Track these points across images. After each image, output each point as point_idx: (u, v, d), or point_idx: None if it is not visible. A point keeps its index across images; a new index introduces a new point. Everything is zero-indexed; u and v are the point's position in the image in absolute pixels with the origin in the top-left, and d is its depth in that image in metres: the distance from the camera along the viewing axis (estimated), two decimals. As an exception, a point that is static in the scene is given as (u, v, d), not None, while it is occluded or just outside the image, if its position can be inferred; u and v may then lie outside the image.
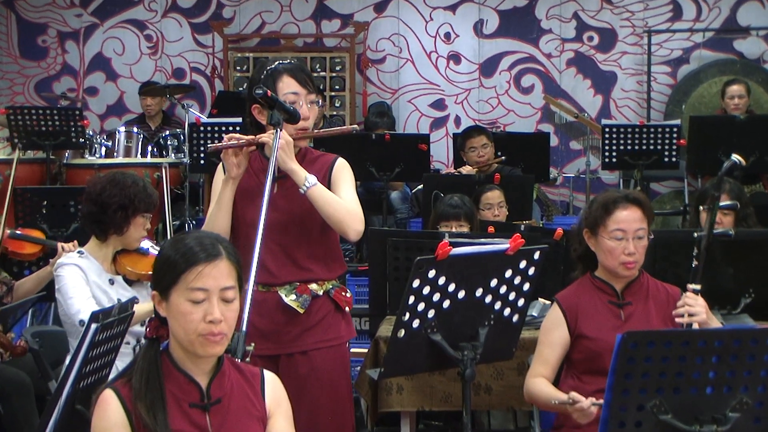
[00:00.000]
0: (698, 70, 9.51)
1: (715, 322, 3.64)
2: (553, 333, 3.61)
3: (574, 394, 3.29)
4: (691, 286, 3.54)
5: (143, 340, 4.12)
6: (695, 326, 3.53)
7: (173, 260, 2.51)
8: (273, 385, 2.68)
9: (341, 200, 3.46)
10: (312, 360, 3.55)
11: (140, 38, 9.98)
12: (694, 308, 3.49)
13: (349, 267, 6.34)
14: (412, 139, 7.89)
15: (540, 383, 3.53)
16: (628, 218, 3.57)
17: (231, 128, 6.50)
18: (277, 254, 3.51)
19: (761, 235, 4.58)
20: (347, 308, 3.63)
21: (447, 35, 9.82)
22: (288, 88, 3.51)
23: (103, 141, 8.29)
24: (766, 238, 4.52)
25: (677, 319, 3.52)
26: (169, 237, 7.43)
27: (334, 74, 9.64)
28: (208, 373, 2.57)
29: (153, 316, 3.93)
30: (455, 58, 9.84)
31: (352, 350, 3.80)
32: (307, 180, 3.40)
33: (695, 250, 3.55)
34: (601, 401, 3.30)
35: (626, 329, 3.35)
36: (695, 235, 3.61)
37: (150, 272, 4.17)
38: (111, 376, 3.45)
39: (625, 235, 3.56)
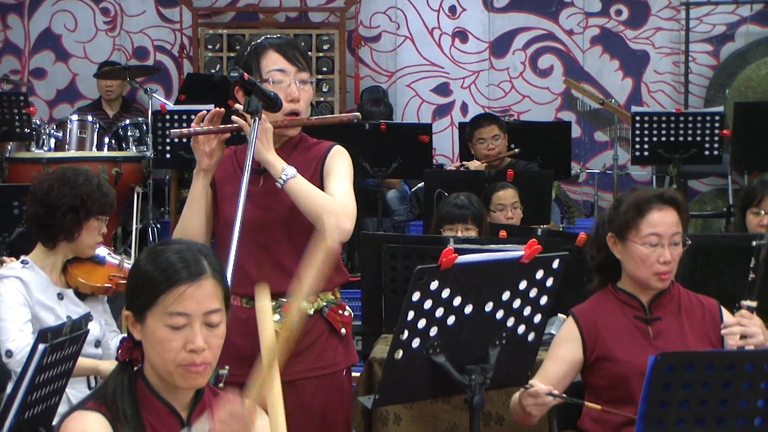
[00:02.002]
0: (745, 49, 9.51)
1: None
2: (562, 347, 3.61)
3: (532, 381, 3.30)
4: (746, 302, 3.52)
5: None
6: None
7: (151, 277, 2.49)
8: (258, 420, 2.67)
9: (326, 195, 3.44)
10: (300, 392, 3.50)
11: (95, 12, 9.98)
12: (749, 329, 3.46)
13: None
14: (411, 129, 7.90)
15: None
16: (664, 221, 3.56)
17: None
18: (260, 259, 3.48)
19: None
20: (344, 330, 3.58)
21: (452, 9, 9.83)
22: (273, 64, 3.49)
23: (52, 131, 8.27)
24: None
25: (728, 341, 3.50)
26: (133, 243, 7.44)
27: (321, 54, 9.64)
28: (187, 403, 2.56)
29: (113, 337, 3.93)
30: (462, 35, 9.84)
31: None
32: (284, 172, 3.38)
33: (752, 262, 3.52)
34: (563, 394, 3.35)
35: (656, 348, 3.38)
36: (753, 243, 3.58)
37: (106, 284, 4.19)
38: (61, 407, 3.45)
39: (661, 241, 3.55)
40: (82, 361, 3.78)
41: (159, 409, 2.52)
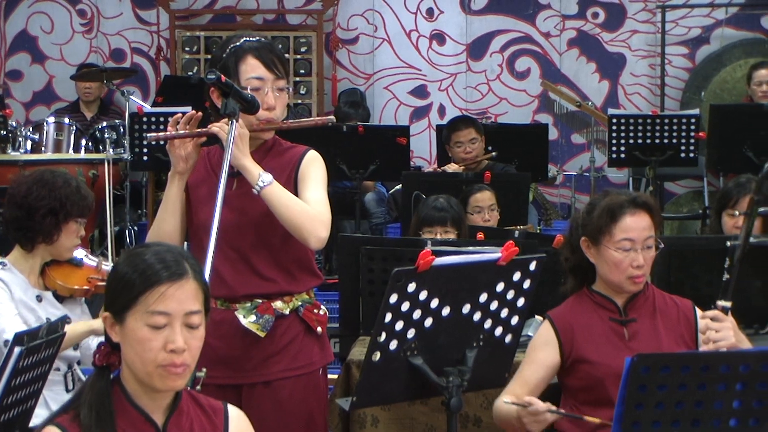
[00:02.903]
0: (720, 52, 9.56)
1: (746, 345, 3.65)
2: (539, 351, 3.62)
3: (529, 398, 3.31)
4: (720, 303, 3.54)
5: (76, 366, 4.13)
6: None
7: (130, 279, 2.49)
8: (238, 422, 2.68)
9: (302, 202, 3.44)
10: (277, 392, 3.52)
11: (72, 14, 9.94)
12: (719, 333, 3.46)
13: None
14: (389, 131, 7.88)
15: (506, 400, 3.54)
16: (637, 226, 3.57)
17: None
18: (234, 262, 3.49)
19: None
20: (320, 329, 3.60)
21: (430, 11, 9.83)
22: (252, 71, 3.50)
23: (28, 134, 8.22)
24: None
25: (702, 347, 3.52)
26: (109, 246, 7.42)
27: (299, 56, 9.63)
28: (165, 409, 2.55)
29: (93, 338, 3.91)
30: (439, 37, 9.85)
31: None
32: (260, 179, 3.39)
33: (727, 262, 3.54)
34: (562, 410, 3.36)
35: (631, 349, 3.40)
36: (728, 244, 3.60)
37: (84, 286, 4.18)
38: (38, 409, 3.44)
39: (634, 245, 3.56)
40: (74, 327, 3.77)
41: (134, 417, 2.51)
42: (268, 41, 3.61)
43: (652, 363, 2.53)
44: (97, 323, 3.89)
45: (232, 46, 3.53)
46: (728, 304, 3.53)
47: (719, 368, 2.56)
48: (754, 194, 3.74)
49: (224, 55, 3.52)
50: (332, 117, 3.88)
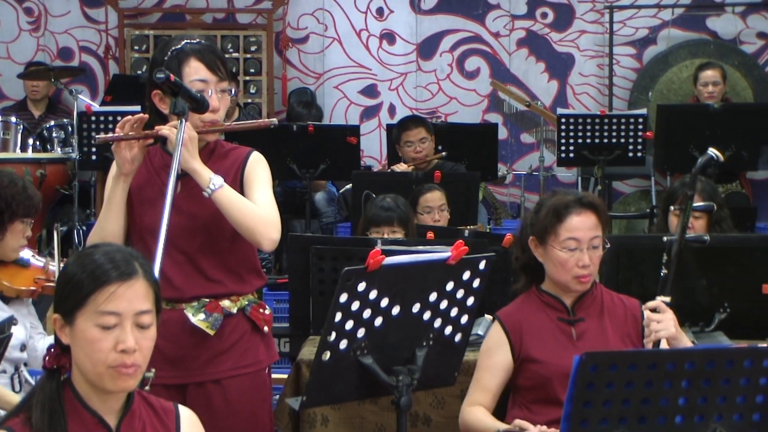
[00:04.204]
0: (667, 52, 9.64)
1: (686, 339, 3.70)
2: (493, 356, 3.63)
3: (519, 422, 3.32)
4: (660, 298, 3.59)
5: (23, 368, 4.09)
6: (663, 343, 3.58)
7: (79, 279, 2.47)
8: (189, 423, 2.67)
9: (253, 205, 3.45)
10: (226, 390, 3.54)
11: (18, 12, 9.84)
12: (660, 324, 3.53)
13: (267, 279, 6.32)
14: (339, 131, 7.89)
15: (478, 412, 3.55)
16: (582, 226, 3.58)
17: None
18: (182, 264, 3.49)
19: (738, 242, 4.64)
20: (266, 328, 3.61)
21: (380, 11, 9.84)
22: (195, 73, 3.49)
23: (-26, 133, 8.17)
24: (744, 244, 4.59)
25: (645, 340, 3.57)
26: (55, 246, 7.35)
27: (248, 55, 9.60)
28: (117, 411, 2.53)
29: (40, 339, 3.88)
30: (389, 37, 9.86)
31: (272, 376, 3.79)
32: (212, 182, 3.39)
33: (665, 257, 3.59)
34: (554, 430, 3.38)
35: (579, 349, 3.42)
36: (665, 239, 3.65)
37: (31, 287, 4.15)
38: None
39: (579, 245, 3.58)
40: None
41: (86, 419, 2.49)
42: (209, 43, 3.61)
43: (600, 361, 2.55)
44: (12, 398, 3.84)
45: (173, 48, 3.51)
46: (668, 299, 3.58)
47: (666, 366, 2.57)
48: (688, 189, 3.79)
49: (166, 58, 3.50)
50: (275, 120, 3.87)
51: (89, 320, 2.45)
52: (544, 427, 3.30)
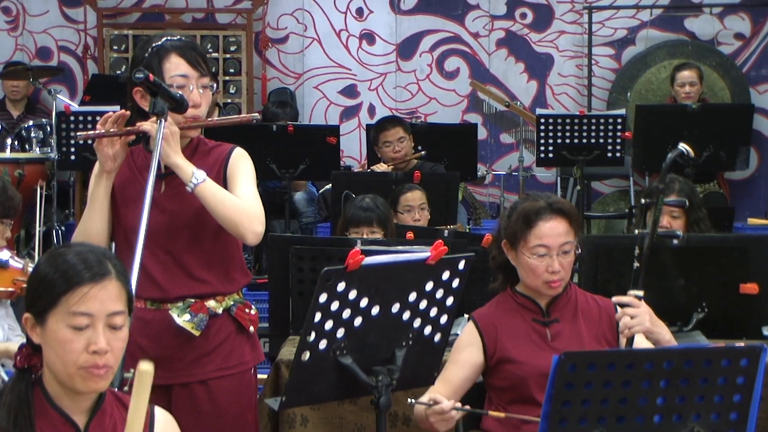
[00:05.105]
0: (645, 53, 9.67)
1: (665, 330, 3.68)
2: (463, 352, 3.63)
3: (435, 395, 3.33)
4: (632, 292, 3.60)
5: (0, 369, 4.07)
6: (639, 337, 3.59)
7: (51, 279, 2.46)
8: (164, 425, 2.65)
9: (236, 198, 3.44)
10: (212, 391, 3.52)
11: (-3, 11, 9.81)
12: (634, 319, 3.54)
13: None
14: (319, 131, 7.88)
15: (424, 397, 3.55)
16: (551, 232, 3.57)
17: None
18: (166, 264, 3.48)
19: (716, 242, 4.66)
20: (252, 328, 3.60)
21: (359, 11, 9.84)
22: (176, 69, 3.48)
23: (-48, 133, 8.14)
24: (721, 244, 4.60)
25: (620, 336, 3.58)
26: (37, 246, 7.33)
27: (228, 55, 9.59)
28: (87, 410, 2.52)
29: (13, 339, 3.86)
30: (369, 37, 9.86)
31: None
32: (194, 176, 3.37)
33: (636, 251, 3.60)
34: (467, 406, 3.39)
35: (554, 349, 3.43)
36: (636, 232, 3.66)
37: (9, 288, 4.13)
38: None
39: (549, 252, 3.57)
40: None
41: (54, 419, 2.48)
42: (189, 40, 3.60)
43: (579, 361, 2.56)
44: (12, 347, 3.84)
45: (154, 45, 3.51)
46: (641, 293, 3.59)
47: (644, 366, 2.59)
48: (659, 183, 3.81)
49: (146, 55, 3.49)
50: (257, 114, 3.87)
51: (61, 321, 2.44)
52: (458, 403, 3.32)
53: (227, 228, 3.43)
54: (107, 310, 2.46)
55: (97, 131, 3.45)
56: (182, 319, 3.46)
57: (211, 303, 3.51)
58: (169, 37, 3.54)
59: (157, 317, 3.47)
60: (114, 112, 3.46)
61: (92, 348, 2.43)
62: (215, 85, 3.65)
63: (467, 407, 3.42)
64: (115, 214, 3.53)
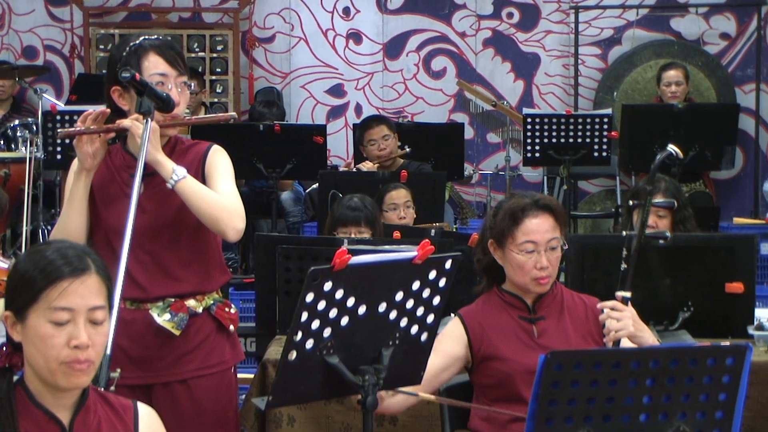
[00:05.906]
0: (631, 53, 9.69)
1: (648, 334, 3.69)
2: (444, 342, 3.60)
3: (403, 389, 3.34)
4: (619, 293, 3.60)
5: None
6: (623, 341, 3.60)
7: (31, 276, 2.46)
8: (149, 420, 2.65)
9: (217, 195, 3.44)
10: (192, 390, 3.52)
11: (-17, 10, 9.79)
12: (619, 323, 3.54)
13: (233, 279, 6.30)
14: (306, 130, 7.88)
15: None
16: (539, 228, 3.59)
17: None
18: (146, 264, 3.48)
19: (702, 241, 4.67)
20: (232, 327, 3.60)
21: (346, 10, 9.84)
22: (155, 68, 3.48)
23: (-64, 132, 8.11)
24: (707, 243, 4.62)
25: (605, 339, 3.58)
26: (23, 246, 7.31)
27: (215, 55, 9.58)
28: (70, 407, 2.51)
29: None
30: (356, 36, 9.86)
31: (238, 376, 3.79)
32: (174, 173, 3.37)
33: (624, 252, 3.61)
34: (435, 397, 3.39)
35: (541, 347, 3.45)
36: (624, 233, 3.67)
37: (-5, 287, 4.11)
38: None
39: (537, 248, 3.58)
40: None
41: (38, 417, 2.48)
42: (167, 39, 3.61)
43: (565, 360, 2.56)
44: None
45: (132, 44, 3.51)
46: (628, 294, 3.60)
47: (630, 365, 2.59)
48: (647, 184, 3.82)
49: (124, 54, 3.49)
50: (234, 113, 3.87)
51: (41, 316, 2.43)
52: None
53: (208, 225, 3.43)
54: (88, 304, 2.45)
55: (78, 128, 3.45)
56: (162, 319, 3.47)
57: (191, 302, 3.51)
58: (146, 36, 3.54)
59: (138, 317, 3.47)
60: (94, 109, 3.46)
61: (73, 343, 2.43)
62: (195, 84, 3.65)
63: (432, 397, 3.42)
64: (94, 213, 3.52)
